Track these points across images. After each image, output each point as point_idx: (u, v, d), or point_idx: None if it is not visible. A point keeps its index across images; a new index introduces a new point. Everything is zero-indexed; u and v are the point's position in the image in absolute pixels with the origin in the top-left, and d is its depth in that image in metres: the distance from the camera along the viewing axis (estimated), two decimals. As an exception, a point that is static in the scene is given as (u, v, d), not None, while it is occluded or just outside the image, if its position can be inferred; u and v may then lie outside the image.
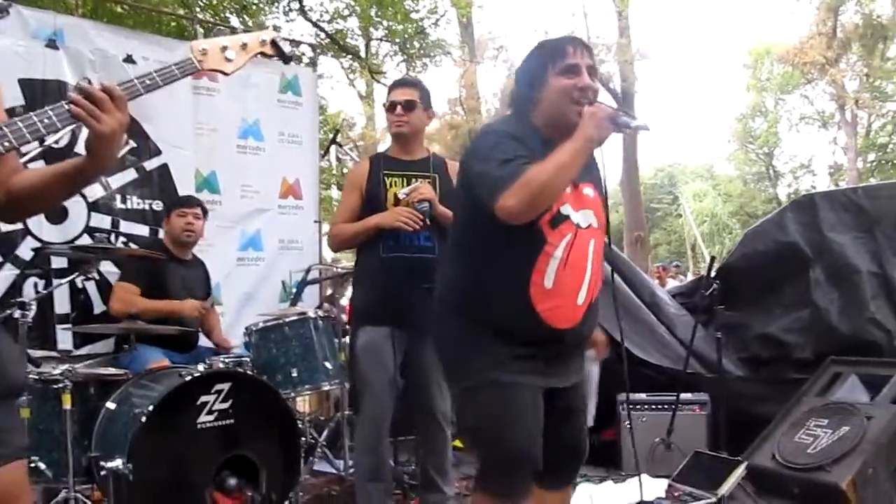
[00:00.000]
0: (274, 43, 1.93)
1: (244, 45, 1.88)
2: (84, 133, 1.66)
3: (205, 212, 4.39)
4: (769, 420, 4.01)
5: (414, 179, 3.37)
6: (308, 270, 4.37)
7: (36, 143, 4.10)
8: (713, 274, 4.67)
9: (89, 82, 1.66)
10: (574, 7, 34.34)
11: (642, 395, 4.37)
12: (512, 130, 2.21)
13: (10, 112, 4.47)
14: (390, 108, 3.41)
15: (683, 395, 4.27)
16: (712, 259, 5.03)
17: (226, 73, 1.87)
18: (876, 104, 30.71)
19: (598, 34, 23.15)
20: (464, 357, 2.24)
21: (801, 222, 4.63)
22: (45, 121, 1.59)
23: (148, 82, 1.71)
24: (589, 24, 21.97)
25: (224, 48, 1.83)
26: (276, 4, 11.03)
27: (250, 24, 10.93)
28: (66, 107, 1.59)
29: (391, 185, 3.37)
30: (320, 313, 3.87)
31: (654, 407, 4.31)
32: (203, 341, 4.49)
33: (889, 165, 32.56)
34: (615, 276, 4.93)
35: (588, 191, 2.28)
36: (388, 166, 3.40)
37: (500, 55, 25.64)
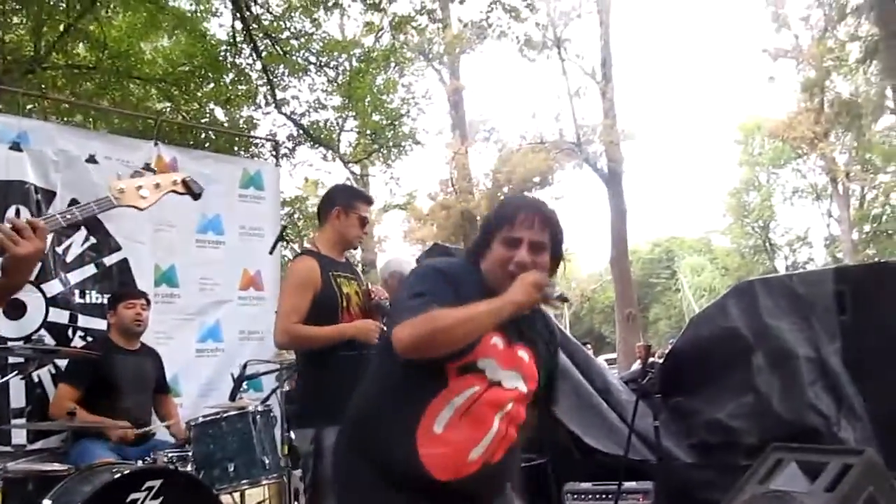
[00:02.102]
0: (185, 182, 2.20)
1: (157, 185, 2.16)
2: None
3: (148, 302, 4.52)
4: (716, 508, 4.02)
5: (357, 283, 3.50)
6: (245, 366, 4.45)
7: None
8: (660, 360, 4.73)
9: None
10: (560, 89, 35.13)
11: (587, 485, 4.38)
12: (453, 270, 2.18)
13: (-26, 212, 4.62)
14: (362, 223, 3.55)
15: (628, 484, 4.29)
16: (647, 347, 5.10)
17: (140, 209, 2.15)
18: (868, 176, 31.13)
19: (583, 115, 23.74)
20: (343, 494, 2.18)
21: (742, 308, 4.72)
22: None
23: (69, 216, 2.00)
24: (574, 105, 22.55)
25: (139, 187, 2.11)
26: (254, 98, 11.43)
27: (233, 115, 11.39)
28: None
29: (344, 288, 3.43)
30: (260, 408, 3.93)
31: (597, 497, 4.32)
32: (161, 434, 4.54)
33: (884, 235, 32.81)
34: (569, 361, 5.07)
35: (523, 354, 2.18)
36: (333, 269, 3.44)
37: (492, 136, 26.30)
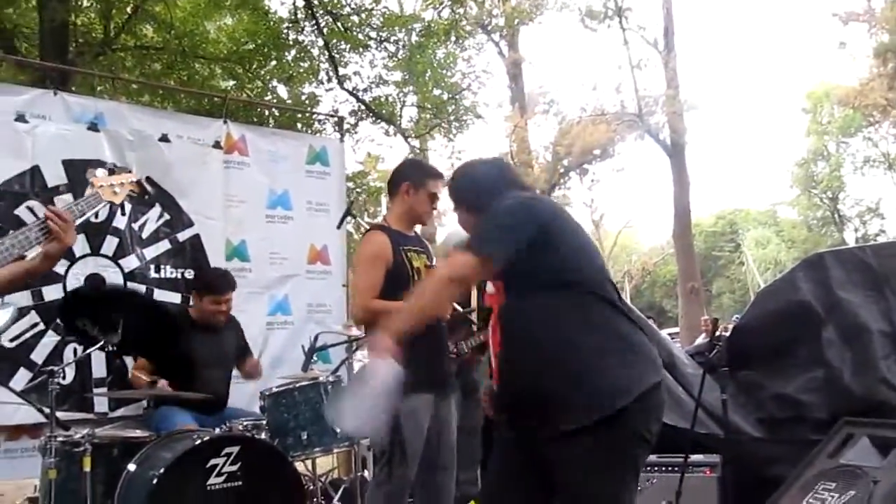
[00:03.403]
0: (139, 183, 2.80)
1: (122, 184, 2.67)
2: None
3: (233, 288, 4.65)
4: (783, 482, 3.99)
5: (427, 256, 3.55)
6: (317, 337, 4.57)
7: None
8: (726, 334, 4.69)
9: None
10: (621, 60, 34.49)
11: (652, 457, 4.38)
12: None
13: (55, 189, 4.86)
14: (432, 199, 3.59)
15: (694, 457, 4.27)
16: (715, 321, 5.04)
17: (114, 203, 2.70)
18: (944, 144, 29.94)
19: (645, 86, 23.30)
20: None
21: (812, 281, 4.62)
22: (24, 237, 2.16)
23: (78, 211, 2.43)
24: (636, 76, 22.14)
25: (111, 185, 2.63)
26: (317, 75, 11.54)
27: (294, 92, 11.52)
28: (45, 224, 2.20)
29: (414, 262, 3.47)
30: (331, 378, 4.05)
31: (663, 469, 4.32)
32: (235, 403, 4.71)
33: (960, 206, 31.57)
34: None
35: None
36: (403, 242, 3.49)
37: (552, 109, 26.04)
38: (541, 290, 2.28)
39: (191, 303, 4.80)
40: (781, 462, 4.28)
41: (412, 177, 3.55)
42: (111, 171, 2.79)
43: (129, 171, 2.83)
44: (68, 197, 4.47)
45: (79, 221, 2.42)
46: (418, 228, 3.74)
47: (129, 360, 4.82)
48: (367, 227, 3.63)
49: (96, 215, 4.73)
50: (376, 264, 3.38)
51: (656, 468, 4.34)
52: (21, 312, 4.34)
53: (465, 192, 2.55)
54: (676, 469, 4.27)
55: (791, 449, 4.35)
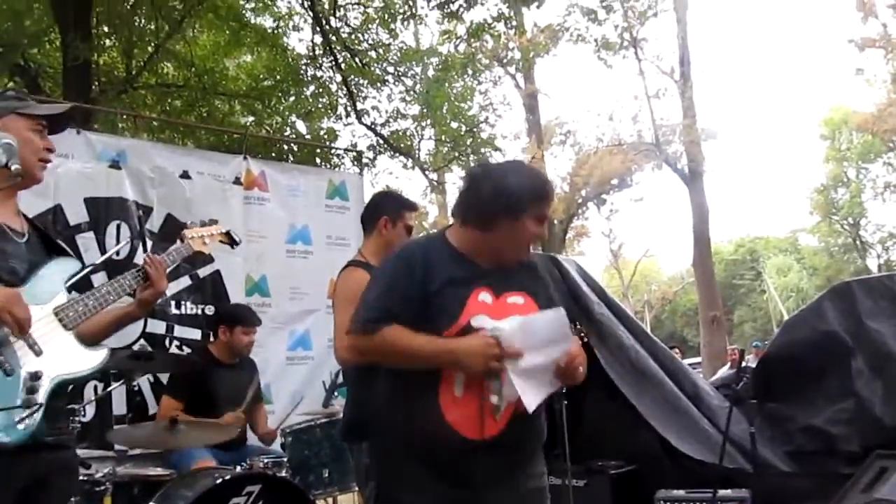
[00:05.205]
0: (227, 234, 2.90)
1: (212, 235, 2.78)
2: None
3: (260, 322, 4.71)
4: (815, 517, 3.91)
5: None
6: (338, 373, 4.53)
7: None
8: (754, 365, 4.62)
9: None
10: (637, 90, 34.59)
11: (680, 492, 4.30)
12: (420, 251, 2.29)
13: (76, 228, 4.89)
14: (409, 231, 3.48)
15: (723, 492, 4.19)
16: (742, 352, 4.96)
17: (204, 254, 2.89)
18: (964, 169, 29.67)
19: (662, 116, 23.31)
20: None
21: (840, 310, 4.56)
22: (124, 282, 2.28)
23: (170, 259, 2.53)
24: (653, 105, 22.15)
25: (202, 236, 2.73)
26: (335, 110, 11.65)
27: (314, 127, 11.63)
28: (143, 270, 2.34)
29: None
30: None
31: (691, 504, 4.24)
32: (252, 439, 4.68)
33: (983, 232, 31.18)
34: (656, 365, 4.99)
35: (515, 299, 2.26)
36: None
37: (568, 139, 26.09)
38: None
39: (211, 339, 4.79)
40: (812, 497, 4.20)
41: (389, 210, 3.46)
42: (203, 224, 2.83)
43: (217, 223, 2.88)
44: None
45: (168, 270, 2.49)
46: None
47: (149, 397, 4.82)
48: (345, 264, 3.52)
49: (118, 253, 4.77)
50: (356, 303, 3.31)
51: (685, 503, 4.27)
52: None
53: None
54: (705, 504, 4.19)
55: (822, 483, 4.27)
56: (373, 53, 11.58)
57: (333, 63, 11.18)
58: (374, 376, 2.85)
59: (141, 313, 2.42)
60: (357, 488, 4.01)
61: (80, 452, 3.74)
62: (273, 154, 9.80)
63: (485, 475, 2.15)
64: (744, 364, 4.55)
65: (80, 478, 3.42)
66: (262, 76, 11.62)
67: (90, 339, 2.22)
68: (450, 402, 2.13)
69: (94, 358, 2.15)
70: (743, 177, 64.18)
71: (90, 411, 4.51)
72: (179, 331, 5.00)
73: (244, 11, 11.25)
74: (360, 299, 2.28)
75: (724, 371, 11.12)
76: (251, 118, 11.73)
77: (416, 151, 12.56)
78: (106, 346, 2.25)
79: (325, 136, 11.62)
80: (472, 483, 2.15)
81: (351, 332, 2.25)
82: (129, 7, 10.22)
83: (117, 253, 4.76)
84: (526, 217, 2.20)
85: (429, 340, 2.13)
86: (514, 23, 12.31)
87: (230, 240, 2.93)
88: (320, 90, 11.72)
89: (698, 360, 20.94)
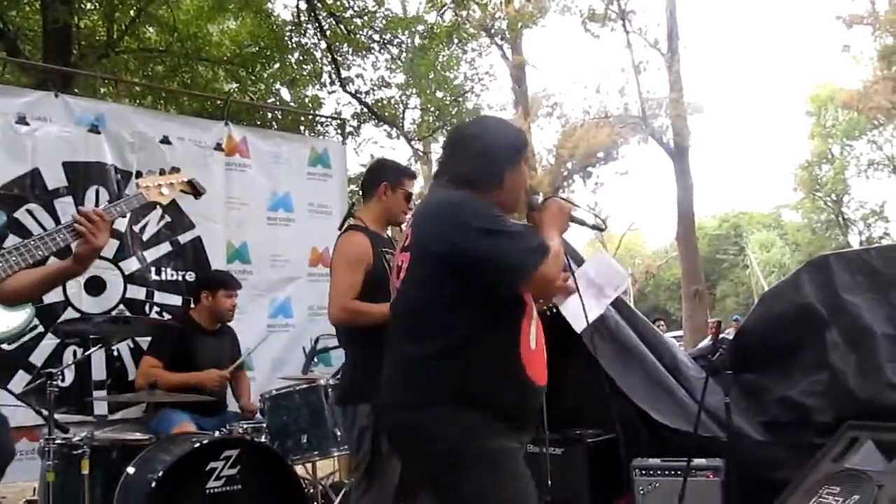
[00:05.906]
0: (190, 182, 2.68)
1: (171, 184, 2.57)
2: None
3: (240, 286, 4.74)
4: (786, 486, 3.96)
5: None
6: (317, 340, 4.55)
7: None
8: (730, 337, 4.66)
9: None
10: (624, 63, 34.47)
11: (655, 461, 4.35)
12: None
13: (55, 192, 4.86)
14: (407, 198, 3.50)
15: (697, 461, 4.24)
16: (718, 324, 5.01)
17: (161, 204, 2.65)
18: (949, 148, 29.88)
19: (649, 89, 23.26)
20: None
21: (817, 284, 4.58)
22: (51, 238, 2.14)
23: (117, 210, 2.36)
24: (640, 78, 22.10)
25: (159, 185, 2.53)
26: (319, 77, 11.55)
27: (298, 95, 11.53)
28: (73, 226, 2.14)
29: (390, 264, 3.44)
30: (332, 381, 4.02)
31: (666, 472, 4.28)
32: (232, 405, 4.70)
33: (965, 209, 31.48)
34: (636, 337, 5.02)
35: None
36: (380, 244, 3.39)
37: (555, 111, 26.05)
38: None
39: (192, 305, 4.79)
40: (785, 466, 4.25)
41: (389, 177, 3.47)
42: (161, 172, 2.60)
43: (179, 171, 2.64)
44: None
45: (118, 218, 2.37)
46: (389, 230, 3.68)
47: (129, 363, 4.81)
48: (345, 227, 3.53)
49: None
50: (358, 266, 3.29)
51: (659, 472, 4.32)
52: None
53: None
54: (679, 473, 4.24)
55: (795, 453, 4.32)
56: (358, 20, 11.44)
57: (318, 30, 11.07)
58: (374, 339, 2.84)
59: (80, 269, 2.28)
60: (336, 454, 4.05)
61: (59, 417, 3.77)
62: (257, 121, 9.73)
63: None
64: (722, 336, 4.56)
65: (58, 442, 3.45)
66: (246, 42, 11.47)
67: (15, 298, 2.17)
68: (528, 357, 2.19)
69: (13, 319, 2.09)
70: (728, 152, 64.39)
71: (69, 376, 4.50)
72: (160, 297, 4.98)
73: (228, -25, 11.08)
74: (510, 248, 2.12)
75: (705, 343, 11.23)
76: (235, 85, 11.61)
77: (401, 121, 12.51)
78: (28, 307, 2.18)
79: (310, 104, 11.54)
80: (532, 428, 2.30)
81: (536, 269, 2.09)
82: (110, -31, 10.07)
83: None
84: (522, 160, 2.35)
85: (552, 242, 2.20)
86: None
87: (193, 189, 2.69)
88: (305, 57, 11.60)
89: (680, 333, 21.16)
